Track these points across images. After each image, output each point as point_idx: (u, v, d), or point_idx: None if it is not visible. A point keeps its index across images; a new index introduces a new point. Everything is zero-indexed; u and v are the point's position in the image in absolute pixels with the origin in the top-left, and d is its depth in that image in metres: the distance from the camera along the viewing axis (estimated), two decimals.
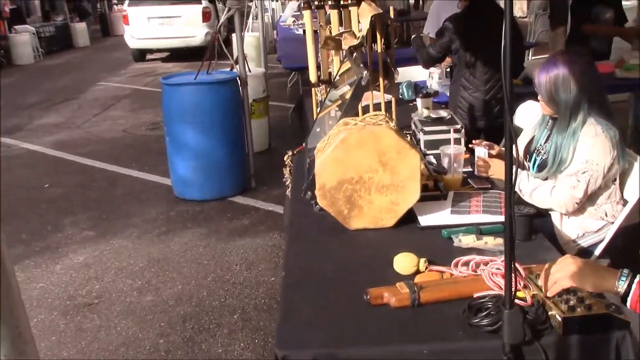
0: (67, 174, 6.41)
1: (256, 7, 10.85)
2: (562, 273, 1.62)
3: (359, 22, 3.09)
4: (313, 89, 3.42)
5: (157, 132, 7.69)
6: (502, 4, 1.50)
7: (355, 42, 2.93)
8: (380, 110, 3.47)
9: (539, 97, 2.67)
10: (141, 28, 14.13)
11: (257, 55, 8.90)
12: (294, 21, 11.96)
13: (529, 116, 3.32)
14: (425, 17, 13.67)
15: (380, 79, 3.19)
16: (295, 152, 3.28)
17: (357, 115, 2.66)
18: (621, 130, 2.57)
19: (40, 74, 13.79)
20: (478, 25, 4.09)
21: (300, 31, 10.39)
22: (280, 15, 14.69)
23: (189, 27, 14.09)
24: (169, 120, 5.27)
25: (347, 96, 2.93)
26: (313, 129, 3.23)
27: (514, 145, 1.44)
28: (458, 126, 3.07)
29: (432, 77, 4.80)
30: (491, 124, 4.23)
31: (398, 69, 3.38)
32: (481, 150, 2.83)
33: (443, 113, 3.30)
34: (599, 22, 5.18)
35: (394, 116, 3.49)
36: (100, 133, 8.05)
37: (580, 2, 5.61)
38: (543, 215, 2.66)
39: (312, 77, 3.28)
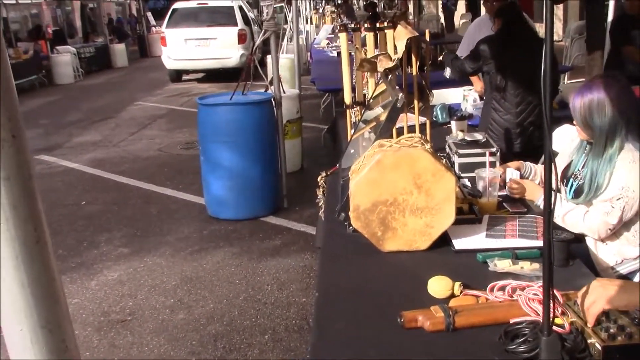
0: (103, 191, 6.52)
1: (291, 29, 10.98)
2: (594, 296, 1.58)
3: (394, 44, 3.10)
4: (347, 111, 3.43)
5: (191, 151, 7.78)
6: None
7: (391, 64, 2.94)
8: (415, 132, 3.47)
9: (574, 122, 2.64)
10: (178, 49, 14.39)
11: (292, 76, 8.98)
12: (328, 43, 12.06)
13: (565, 140, 3.27)
14: (459, 40, 13.67)
15: (415, 101, 3.19)
16: (328, 173, 3.28)
17: (391, 137, 2.66)
18: None
19: (80, 93, 14.11)
20: (510, 48, 4.08)
21: (334, 53, 10.47)
22: (315, 38, 14.83)
23: (225, 49, 14.29)
24: (204, 140, 5.33)
25: (382, 118, 2.93)
26: (347, 150, 3.24)
27: (552, 171, 1.42)
28: (493, 149, 3.05)
29: (466, 99, 4.79)
30: (524, 147, 4.20)
31: (432, 91, 3.39)
32: (512, 172, 2.80)
33: (478, 136, 3.28)
34: (637, 46, 5.12)
35: (428, 138, 3.48)
36: (137, 152, 8.19)
37: (618, 26, 5.55)
38: (581, 240, 2.61)
39: (347, 99, 3.30)
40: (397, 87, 2.72)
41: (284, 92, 5.98)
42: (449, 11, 19.57)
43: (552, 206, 1.40)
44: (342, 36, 3.23)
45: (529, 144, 4.20)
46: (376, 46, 3.45)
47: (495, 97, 4.21)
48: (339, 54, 10.45)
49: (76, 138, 9.23)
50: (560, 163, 2.90)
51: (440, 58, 4.96)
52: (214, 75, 14.78)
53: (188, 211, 5.76)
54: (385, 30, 3.13)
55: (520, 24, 4.22)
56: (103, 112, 11.41)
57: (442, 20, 17.99)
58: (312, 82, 7.75)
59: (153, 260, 4.72)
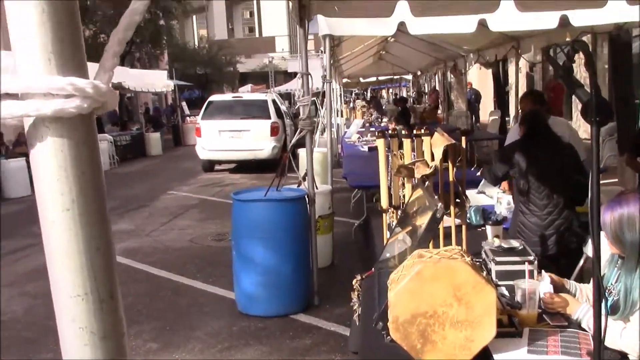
0: (134, 282, 6.56)
1: (324, 123, 11.25)
2: None
3: (431, 151, 3.17)
4: (383, 214, 3.46)
5: (222, 243, 7.84)
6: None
7: (428, 171, 3.00)
8: (451, 234, 3.48)
9: (604, 235, 2.62)
10: (212, 140, 14.77)
11: (323, 170, 9.12)
12: (359, 138, 12.27)
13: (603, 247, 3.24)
14: (489, 136, 13.80)
15: (452, 208, 3.21)
16: (363, 277, 3.28)
17: (430, 247, 2.67)
18: None
19: (115, 181, 14.44)
20: (533, 154, 4.16)
21: (365, 148, 10.64)
22: (345, 131, 15.13)
23: (258, 141, 14.63)
24: (237, 235, 5.38)
25: (418, 223, 2.95)
26: (383, 255, 3.25)
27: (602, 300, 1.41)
28: (531, 258, 3.02)
29: (500, 202, 4.80)
30: (558, 250, 4.16)
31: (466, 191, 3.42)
32: (545, 285, 2.76)
33: (515, 243, 3.26)
34: None
35: (464, 242, 3.48)
36: (168, 242, 8.27)
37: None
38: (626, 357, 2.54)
39: (384, 203, 3.34)
40: (435, 197, 2.74)
41: (317, 188, 6.06)
42: (472, 107, 19.93)
43: (603, 335, 1.38)
44: (380, 142, 3.31)
45: (563, 246, 4.17)
46: (413, 150, 3.53)
47: (521, 201, 4.26)
48: (370, 148, 10.63)
49: (112, 226, 9.36)
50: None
51: (479, 174, 5.03)
52: (245, 166, 15.08)
53: (218, 305, 5.74)
54: (423, 137, 3.21)
55: (543, 130, 4.32)
56: (137, 201, 11.63)
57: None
58: (344, 177, 7.84)
59: (182, 356, 4.67)
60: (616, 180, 8.52)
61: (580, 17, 6.26)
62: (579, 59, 1.77)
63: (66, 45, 0.67)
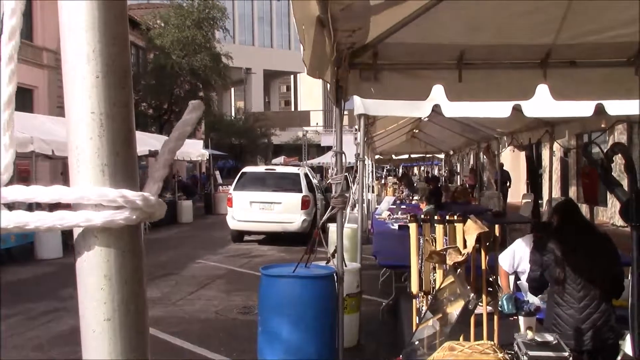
0: (157, 353, 6.48)
1: (355, 199, 11.28)
2: None
3: (464, 238, 3.13)
4: (414, 300, 3.40)
5: (248, 316, 7.75)
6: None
7: (460, 258, 2.95)
8: (482, 324, 3.39)
9: None
10: (243, 211, 14.88)
11: (352, 246, 9.04)
12: (389, 215, 12.24)
13: None
14: (522, 220, 13.66)
15: (484, 296, 3.15)
16: None
17: (459, 339, 2.60)
18: None
19: (145, 247, 14.50)
20: (569, 241, 4.08)
21: (395, 226, 10.59)
22: (376, 208, 15.12)
23: (288, 214, 14.70)
24: (264, 310, 5.32)
25: (449, 311, 2.89)
26: (412, 342, 3.17)
27: None
28: (566, 354, 2.92)
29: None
30: (595, 345, 4.01)
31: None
32: None
33: (549, 337, 3.16)
34: None
35: (495, 332, 3.38)
36: (194, 312, 8.21)
37: None
38: None
39: (414, 288, 3.29)
40: (467, 287, 2.69)
41: (346, 266, 6.00)
42: (501, 188, 19.78)
43: None
44: (412, 226, 3.28)
45: (600, 341, 4.02)
46: (445, 234, 3.50)
47: (557, 291, 4.12)
48: (400, 227, 10.58)
49: None
50: None
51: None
52: (275, 238, 15.08)
53: None
54: (455, 224, 3.18)
55: (575, 217, 4.26)
56: (165, 268, 11.65)
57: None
58: (374, 255, 7.77)
59: None
60: None
61: (616, 107, 6.27)
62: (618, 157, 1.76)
63: (120, 158, 0.69)
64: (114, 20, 0.67)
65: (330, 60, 3.91)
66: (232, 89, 57.10)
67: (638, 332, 1.42)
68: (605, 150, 1.59)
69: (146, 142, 19.53)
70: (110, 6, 0.67)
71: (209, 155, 25.90)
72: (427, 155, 27.14)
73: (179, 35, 25.46)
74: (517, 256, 5.44)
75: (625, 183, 1.72)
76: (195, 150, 23.44)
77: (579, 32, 4.60)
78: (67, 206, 0.72)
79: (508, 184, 20.78)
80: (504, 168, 22.36)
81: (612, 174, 1.85)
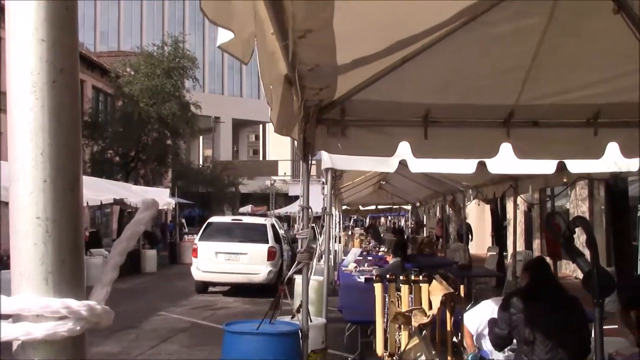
0: None
1: (321, 250, 11.22)
2: None
3: (429, 299, 3.12)
4: None
5: None
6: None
7: (425, 320, 2.93)
8: None
9: None
10: (208, 262, 14.70)
11: (318, 298, 8.95)
12: (356, 267, 12.20)
13: None
14: (487, 273, 13.73)
15: (449, 358, 3.11)
16: None
17: None
18: None
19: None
20: (538, 302, 4.10)
21: (362, 279, 10.54)
22: (343, 259, 15.07)
23: (254, 265, 14.57)
24: None
25: None
26: None
27: None
28: None
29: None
30: None
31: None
32: None
33: None
34: None
35: None
36: None
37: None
38: None
39: (379, 349, 3.25)
40: (431, 349, 2.66)
41: (311, 321, 5.91)
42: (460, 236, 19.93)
43: None
44: (377, 287, 3.27)
45: None
46: (411, 292, 3.48)
47: (525, 352, 4.11)
48: (366, 279, 10.52)
49: (95, 348, 9.07)
50: None
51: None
52: (239, 289, 14.87)
53: None
54: (421, 284, 3.17)
55: (546, 277, 4.28)
56: (125, 321, 11.32)
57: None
58: (340, 310, 7.70)
59: None
60: (616, 326, 8.34)
61: (577, 165, 6.41)
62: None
63: (66, 265, 0.67)
64: (68, 123, 0.65)
65: (298, 117, 3.93)
66: (201, 138, 57.04)
67: None
68: (567, 223, 1.61)
69: (111, 190, 19.29)
70: (63, 108, 0.65)
71: (175, 204, 25.64)
72: (394, 206, 27.31)
73: (148, 84, 25.47)
74: (484, 318, 5.42)
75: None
76: (161, 198, 23.19)
77: (539, 94, 4.73)
78: None
79: (470, 237, 20.97)
80: (467, 221, 22.61)
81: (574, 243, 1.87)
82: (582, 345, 4.00)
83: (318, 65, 3.52)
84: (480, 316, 5.40)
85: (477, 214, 26.14)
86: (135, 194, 21.09)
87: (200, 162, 49.72)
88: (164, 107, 25.96)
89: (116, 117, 27.42)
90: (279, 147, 61.12)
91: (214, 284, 15.47)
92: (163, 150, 27.63)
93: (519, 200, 13.28)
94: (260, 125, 67.48)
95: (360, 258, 13.95)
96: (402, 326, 3.27)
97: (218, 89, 59.03)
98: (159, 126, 26.78)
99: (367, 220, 37.99)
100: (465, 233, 19.62)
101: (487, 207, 19.36)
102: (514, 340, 4.47)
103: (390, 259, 11.72)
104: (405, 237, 23.11)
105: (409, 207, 27.07)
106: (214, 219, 16.58)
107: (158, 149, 26.93)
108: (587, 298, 4.25)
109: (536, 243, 19.83)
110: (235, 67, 59.41)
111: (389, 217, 39.02)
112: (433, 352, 2.61)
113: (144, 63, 26.52)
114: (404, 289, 3.26)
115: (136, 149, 26.60)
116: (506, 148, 5.21)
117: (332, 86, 4.20)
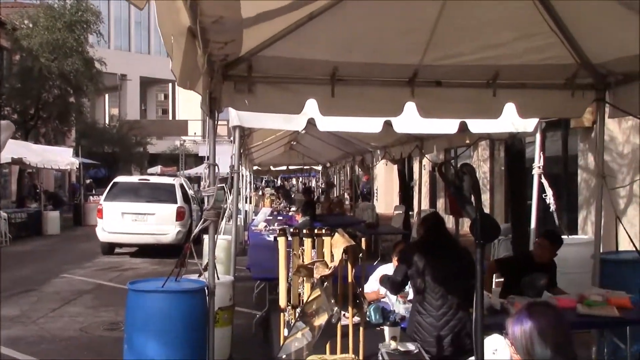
0: None
1: (230, 210, 11.17)
2: None
3: (331, 252, 3.18)
4: (281, 313, 3.41)
5: (115, 333, 7.43)
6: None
7: (327, 272, 3.00)
8: (349, 334, 3.45)
9: (509, 345, 2.65)
10: (114, 223, 14.32)
11: (227, 257, 8.95)
12: (266, 226, 12.25)
13: (497, 350, 3.30)
14: (393, 231, 14.14)
15: (349, 308, 3.21)
16: None
17: (324, 350, 2.64)
18: None
19: (3, 261, 13.57)
20: (430, 254, 4.31)
21: (271, 237, 10.59)
22: (253, 219, 15.09)
23: (162, 225, 14.33)
24: (131, 327, 5.10)
25: (316, 324, 2.92)
26: (279, 355, 3.16)
27: None
28: None
29: (399, 300, 4.85)
30: (454, 352, 4.23)
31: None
32: None
33: (411, 346, 3.29)
34: (534, 287, 5.35)
35: (361, 342, 3.46)
36: (56, 331, 7.75)
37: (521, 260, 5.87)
38: None
39: (282, 302, 3.30)
40: (332, 301, 2.73)
41: (218, 279, 5.90)
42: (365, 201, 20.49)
43: None
44: (281, 240, 3.30)
45: (458, 347, 4.23)
46: (313, 247, 3.53)
47: (418, 300, 4.36)
48: (275, 238, 10.58)
49: None
50: None
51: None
52: (147, 250, 14.62)
53: None
54: (323, 238, 3.23)
55: (440, 232, 4.50)
56: (25, 284, 10.93)
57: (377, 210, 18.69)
58: (248, 268, 7.74)
59: None
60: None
61: (478, 125, 6.67)
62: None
63: None
64: None
65: (202, 71, 3.85)
66: (106, 96, 54.87)
67: (481, 344, 1.50)
68: (456, 171, 1.68)
69: (9, 148, 18.31)
70: None
71: (80, 164, 24.68)
72: (305, 167, 27.49)
73: (49, 38, 24.06)
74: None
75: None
76: (63, 158, 22.27)
77: (442, 54, 4.86)
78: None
79: (370, 196, 21.58)
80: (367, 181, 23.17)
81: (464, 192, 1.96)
82: (472, 291, 4.22)
83: (222, 18, 3.44)
84: (374, 280, 5.58)
85: (386, 174, 26.77)
86: (35, 153, 20.14)
87: (106, 121, 47.84)
88: (66, 63, 24.68)
89: (13, 72, 25.84)
90: (189, 107, 59.72)
91: (121, 245, 15.12)
92: (65, 108, 26.34)
93: (425, 160, 13.69)
94: (170, 84, 65.60)
95: (271, 218, 14.02)
96: (304, 279, 3.33)
97: (125, 46, 56.67)
98: (61, 83, 25.48)
99: (279, 181, 38.09)
100: (368, 192, 20.15)
101: (395, 168, 19.84)
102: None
103: (300, 218, 11.84)
104: (316, 197, 23.41)
105: (319, 168, 27.35)
106: (119, 178, 16.12)
107: (60, 107, 25.67)
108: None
109: (440, 202, 20.57)
110: (142, 24, 57.13)
111: (300, 178, 39.29)
112: (333, 302, 2.68)
113: (44, 15, 24.99)
114: (307, 242, 3.31)
115: (36, 106, 25.26)
116: (411, 107, 5.35)
117: (238, 41, 4.13)
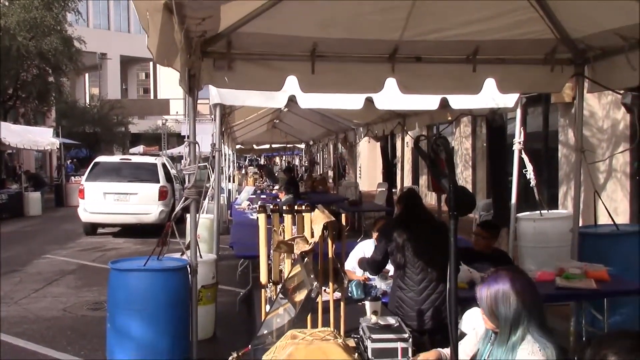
0: None
1: (213, 188, 11.14)
2: None
3: (311, 228, 3.19)
4: (262, 290, 3.42)
5: (98, 312, 7.43)
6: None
7: (307, 247, 3.01)
8: (330, 309, 3.47)
9: (480, 310, 2.73)
10: (96, 203, 14.23)
11: (210, 236, 8.95)
12: (249, 205, 12.24)
13: (475, 322, 3.35)
14: (375, 208, 14.19)
15: (330, 284, 3.23)
16: (240, 354, 3.19)
17: (305, 326, 2.65)
18: (564, 337, 2.60)
19: None
20: (408, 230, 4.35)
21: (254, 216, 10.59)
22: (236, 198, 15.06)
23: (144, 205, 14.27)
24: (113, 306, 5.11)
25: (296, 299, 2.93)
26: (260, 331, 3.18)
27: None
28: (405, 335, 3.08)
29: (380, 276, 4.88)
30: (435, 325, 4.29)
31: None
32: None
33: (391, 320, 3.32)
34: None
35: (342, 317, 3.49)
36: (39, 311, 7.73)
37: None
38: None
39: (263, 278, 3.31)
40: (312, 275, 2.74)
41: (201, 257, 5.90)
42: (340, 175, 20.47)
43: None
44: (261, 217, 3.30)
45: (439, 321, 4.29)
46: (294, 223, 3.54)
47: (398, 275, 4.40)
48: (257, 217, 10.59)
49: None
50: (470, 346, 2.95)
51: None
52: (130, 230, 14.56)
53: None
54: (303, 214, 3.24)
55: (416, 207, 4.54)
56: (7, 265, 10.85)
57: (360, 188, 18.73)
58: (231, 246, 7.74)
59: None
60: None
61: (459, 101, 6.68)
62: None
63: None
64: None
65: (180, 48, 3.81)
66: (86, 75, 54.17)
67: (455, 316, 1.52)
68: (431, 144, 1.69)
69: None
70: None
71: (60, 144, 24.43)
72: (288, 145, 27.44)
73: (26, 16, 23.62)
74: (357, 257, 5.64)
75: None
76: (43, 138, 22.05)
77: (422, 30, 4.84)
78: None
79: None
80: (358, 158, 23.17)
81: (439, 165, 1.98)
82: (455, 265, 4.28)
83: None
84: (355, 256, 5.61)
85: (369, 152, 26.81)
86: (14, 133, 19.92)
87: (87, 101, 47.28)
88: (45, 42, 24.30)
89: None
90: (171, 86, 59.11)
91: (103, 226, 15.06)
92: (45, 87, 26.00)
93: (407, 137, 13.71)
94: (151, 63, 64.87)
95: (254, 196, 14.00)
96: (285, 255, 3.34)
97: (104, 25, 55.85)
98: (40, 62, 25.12)
99: (262, 160, 37.99)
100: (342, 170, 20.14)
101: (378, 145, 19.86)
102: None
103: (283, 197, 11.85)
104: (299, 175, 23.40)
105: (302, 146, 27.32)
106: (101, 158, 15.98)
107: (39, 86, 25.32)
108: (462, 229, 4.54)
109: (423, 179, 20.66)
110: (122, 2, 56.30)
111: (284, 157, 39.22)
112: (312, 277, 2.70)
113: None
114: (287, 218, 3.32)
115: (14, 86, 24.89)
116: (391, 83, 5.33)
117: (216, 17, 4.08)
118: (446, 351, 3.04)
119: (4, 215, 18.30)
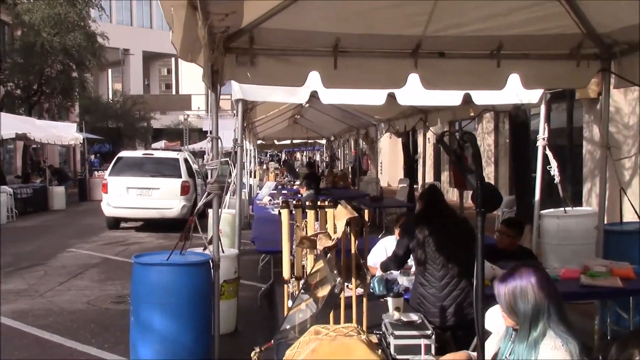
0: (20, 348, 6.12)
1: (234, 184, 11.18)
2: None
3: (334, 223, 3.19)
4: (285, 285, 3.43)
5: (122, 306, 7.50)
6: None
7: (330, 243, 3.01)
8: (352, 305, 3.47)
9: (500, 308, 2.70)
10: (119, 197, 14.36)
11: (232, 231, 8.97)
12: (270, 200, 12.28)
13: (500, 320, 3.32)
14: (397, 204, 14.14)
15: (353, 279, 3.22)
16: (263, 349, 3.20)
17: (327, 321, 2.65)
18: (588, 336, 2.57)
19: (10, 236, 13.67)
20: (429, 225, 4.33)
21: (276, 211, 10.62)
22: (257, 193, 15.11)
23: (167, 200, 14.37)
24: (137, 300, 5.15)
25: (319, 295, 2.93)
26: (283, 326, 3.19)
27: None
28: (428, 332, 3.06)
29: (402, 273, 4.87)
30: (458, 321, 4.26)
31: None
32: None
33: (414, 317, 3.30)
34: None
35: (364, 314, 3.48)
36: (63, 304, 7.83)
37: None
38: None
39: (285, 273, 3.31)
40: (335, 271, 2.74)
41: (223, 252, 5.93)
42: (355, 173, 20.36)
43: None
44: (284, 212, 3.30)
45: (461, 317, 4.27)
46: (317, 219, 3.54)
47: (420, 272, 4.39)
48: (280, 212, 10.62)
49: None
50: (493, 345, 2.93)
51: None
52: (152, 225, 14.69)
53: None
54: (326, 210, 3.23)
55: (438, 203, 4.52)
56: (32, 258, 11.02)
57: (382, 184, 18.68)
58: (252, 241, 7.77)
59: None
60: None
61: (482, 97, 6.63)
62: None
63: None
64: None
65: (203, 43, 3.82)
66: (109, 71, 54.69)
67: (482, 312, 1.51)
68: (457, 140, 1.67)
69: (13, 124, 18.30)
70: None
71: (84, 139, 24.69)
72: (309, 141, 27.43)
73: (50, 12, 23.88)
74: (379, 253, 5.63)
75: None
76: (67, 133, 22.29)
77: (445, 25, 4.80)
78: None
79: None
80: (379, 154, 23.10)
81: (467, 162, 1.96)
82: (472, 259, 4.24)
83: None
84: (376, 252, 5.60)
85: (390, 148, 26.71)
86: (39, 128, 20.16)
87: (110, 97, 47.73)
88: (68, 38, 24.56)
89: (15, 48, 25.71)
90: (192, 82, 59.46)
91: (126, 220, 15.19)
92: (68, 83, 26.27)
93: (429, 133, 13.63)
94: (173, 59, 65.27)
95: (275, 192, 14.04)
96: (307, 251, 3.34)
97: (127, 20, 56.30)
98: (64, 57, 25.37)
99: (283, 155, 38.02)
100: (357, 167, 20.05)
101: (400, 141, 19.79)
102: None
103: (304, 192, 11.86)
104: (320, 171, 23.40)
105: (323, 142, 27.30)
106: (123, 153, 16.11)
107: (63, 82, 25.59)
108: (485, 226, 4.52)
109: (445, 175, 20.55)
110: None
111: (305, 152, 39.24)
112: (335, 272, 2.69)
113: None
114: (310, 214, 3.32)
115: (39, 82, 25.19)
116: (414, 79, 5.30)
117: (239, 12, 4.09)
118: (475, 355, 3.02)
119: (29, 209, 18.55)
